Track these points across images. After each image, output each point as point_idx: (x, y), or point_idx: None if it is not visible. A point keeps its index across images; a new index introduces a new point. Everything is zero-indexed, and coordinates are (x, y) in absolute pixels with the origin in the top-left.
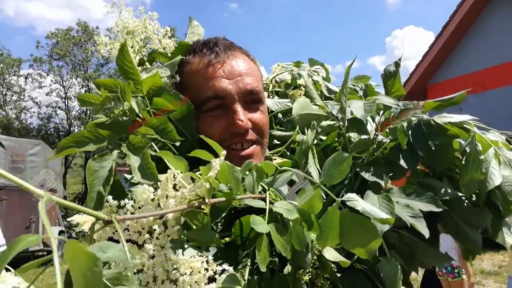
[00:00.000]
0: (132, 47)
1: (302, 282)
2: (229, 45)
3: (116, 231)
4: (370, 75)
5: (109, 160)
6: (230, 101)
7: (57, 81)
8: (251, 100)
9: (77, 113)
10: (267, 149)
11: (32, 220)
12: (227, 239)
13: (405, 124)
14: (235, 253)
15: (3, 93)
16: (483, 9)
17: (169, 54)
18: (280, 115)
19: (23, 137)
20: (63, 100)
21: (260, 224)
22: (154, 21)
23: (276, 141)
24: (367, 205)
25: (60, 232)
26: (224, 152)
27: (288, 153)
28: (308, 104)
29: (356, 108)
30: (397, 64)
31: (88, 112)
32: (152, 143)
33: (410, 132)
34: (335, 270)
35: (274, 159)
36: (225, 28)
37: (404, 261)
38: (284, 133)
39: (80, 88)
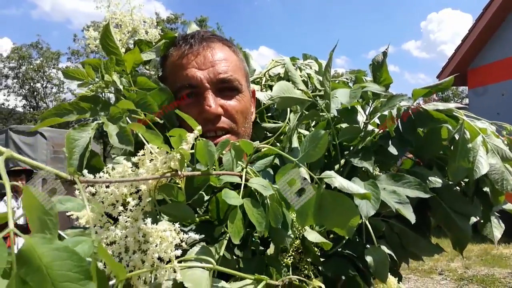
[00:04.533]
0: (120, 40)
1: (283, 264)
2: (207, 36)
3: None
4: (405, 61)
5: (89, 130)
6: (201, 89)
7: None
8: (225, 88)
9: None
10: (259, 141)
11: None
12: (207, 217)
13: (394, 111)
14: (212, 229)
15: (44, 85)
16: None
17: (154, 43)
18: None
19: (63, 128)
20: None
21: (233, 198)
22: (141, 12)
23: (269, 134)
24: (345, 181)
25: None
26: (199, 127)
27: (278, 144)
28: (290, 88)
29: (342, 95)
30: (384, 54)
31: None
32: (127, 118)
33: (399, 120)
34: (319, 254)
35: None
36: (255, 17)
37: (394, 251)
38: (274, 125)
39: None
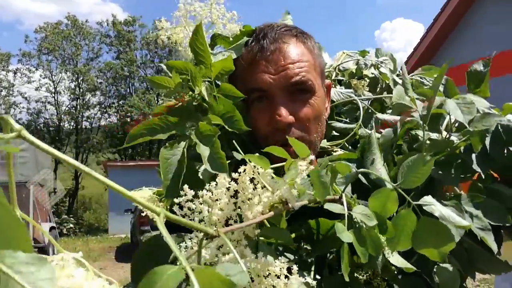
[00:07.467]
0: None
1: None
2: (280, 35)
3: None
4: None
5: (180, 148)
6: (272, 94)
7: (46, 76)
8: (298, 90)
9: (66, 108)
10: (326, 140)
11: None
12: (293, 235)
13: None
14: (302, 252)
15: None
16: None
17: (231, 39)
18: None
19: None
20: (53, 95)
21: (343, 233)
22: (221, 6)
23: (335, 133)
24: (445, 210)
25: (51, 228)
26: (313, 157)
27: (349, 146)
28: (403, 94)
29: (453, 109)
30: (487, 63)
31: (78, 107)
32: (234, 142)
33: (487, 137)
34: (396, 272)
35: (335, 151)
36: None
37: (461, 266)
38: (344, 125)
39: (69, 83)
